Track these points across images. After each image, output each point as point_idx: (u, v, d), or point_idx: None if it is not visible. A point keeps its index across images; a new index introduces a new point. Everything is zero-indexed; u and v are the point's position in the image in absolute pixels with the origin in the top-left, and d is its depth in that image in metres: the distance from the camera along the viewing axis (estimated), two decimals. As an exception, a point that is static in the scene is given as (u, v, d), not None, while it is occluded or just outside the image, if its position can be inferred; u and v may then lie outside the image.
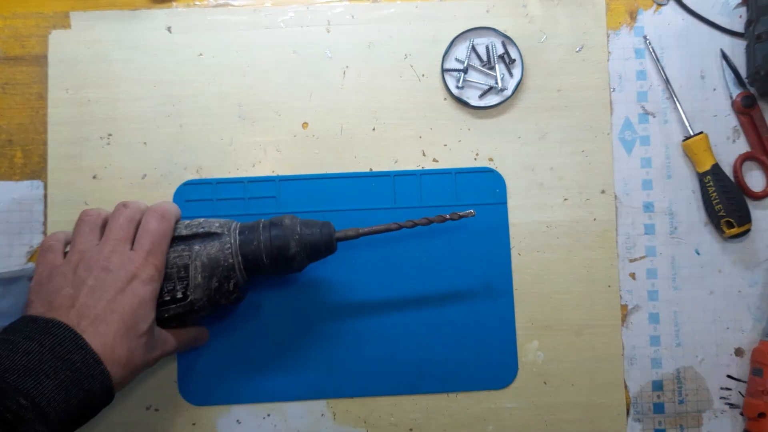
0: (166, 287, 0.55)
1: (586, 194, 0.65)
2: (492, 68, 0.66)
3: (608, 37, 0.67)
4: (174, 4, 0.67)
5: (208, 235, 0.56)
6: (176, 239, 0.56)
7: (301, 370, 0.63)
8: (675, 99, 0.66)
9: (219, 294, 0.56)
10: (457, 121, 0.66)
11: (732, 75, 0.66)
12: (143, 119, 0.65)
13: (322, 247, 0.57)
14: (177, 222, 0.56)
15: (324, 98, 0.66)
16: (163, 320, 0.55)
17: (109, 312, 0.46)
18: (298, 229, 0.57)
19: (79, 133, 0.65)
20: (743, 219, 0.63)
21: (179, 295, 0.55)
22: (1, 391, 0.39)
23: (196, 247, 0.56)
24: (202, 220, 0.58)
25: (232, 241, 0.56)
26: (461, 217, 0.59)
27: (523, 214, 0.65)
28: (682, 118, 0.65)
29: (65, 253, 0.52)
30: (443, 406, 0.63)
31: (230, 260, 0.56)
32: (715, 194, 0.63)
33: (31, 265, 0.63)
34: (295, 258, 0.56)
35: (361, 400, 0.63)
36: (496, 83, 0.65)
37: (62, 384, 0.41)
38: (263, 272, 0.57)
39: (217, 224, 0.57)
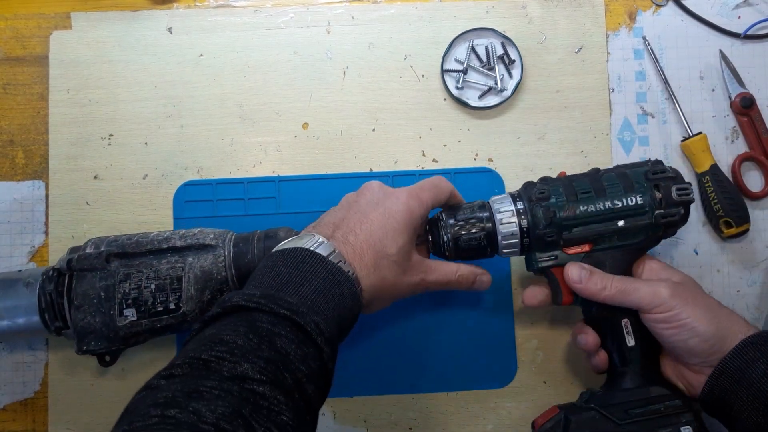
0: (159, 297, 0.55)
1: (586, 194, 0.66)
2: (491, 69, 0.66)
3: (607, 38, 0.67)
4: (175, 5, 0.67)
5: (203, 247, 0.57)
6: (170, 250, 0.57)
7: (302, 369, 0.63)
8: (674, 99, 0.66)
9: (211, 307, 0.56)
10: (457, 122, 0.66)
11: (731, 75, 0.66)
12: (144, 120, 0.65)
13: None
14: (449, 196, 0.56)
15: (324, 99, 0.66)
16: (155, 330, 0.56)
17: (358, 224, 0.51)
18: None
19: (81, 133, 0.65)
20: (742, 219, 0.63)
21: (172, 306, 0.55)
22: (270, 298, 0.43)
23: (190, 260, 0.56)
24: (197, 230, 0.58)
25: (226, 253, 0.56)
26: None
27: (522, 214, 0.65)
28: (680, 118, 0.66)
29: None
30: (443, 405, 0.63)
31: (223, 273, 0.56)
32: (713, 194, 0.64)
33: (32, 265, 0.63)
34: None
35: (361, 399, 0.63)
36: (496, 84, 0.65)
37: (316, 289, 0.45)
38: None
39: (212, 235, 0.57)
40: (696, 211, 0.66)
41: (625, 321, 0.55)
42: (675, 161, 0.66)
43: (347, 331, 0.48)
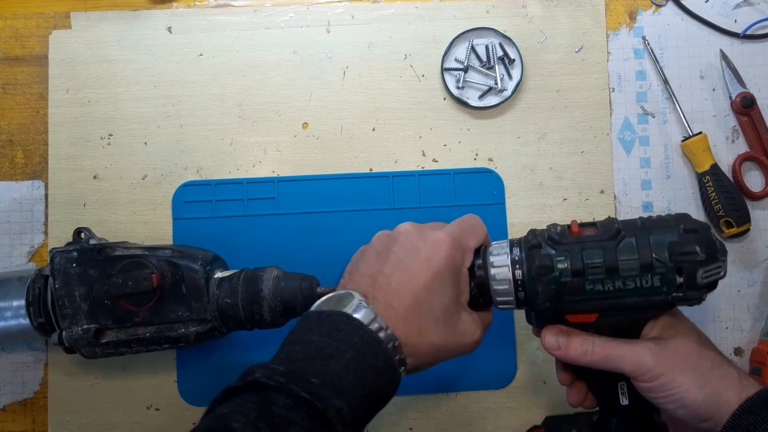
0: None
1: (586, 194, 0.66)
2: (491, 68, 0.66)
3: (607, 37, 0.67)
4: (174, 4, 0.67)
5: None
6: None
7: (301, 369, 0.63)
8: (674, 99, 0.66)
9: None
10: (457, 122, 0.66)
11: (731, 75, 0.66)
12: (144, 119, 0.65)
13: (299, 307, 0.55)
14: (484, 239, 0.51)
15: (324, 98, 0.66)
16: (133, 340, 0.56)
17: (402, 284, 0.46)
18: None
19: (80, 133, 0.65)
20: (742, 219, 0.63)
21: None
22: (292, 376, 0.40)
23: None
24: None
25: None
26: None
27: (522, 214, 0.65)
28: (681, 118, 0.65)
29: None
30: (443, 406, 0.63)
31: None
32: (714, 194, 0.64)
33: (32, 265, 0.63)
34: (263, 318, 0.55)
35: (361, 399, 0.63)
36: (496, 84, 0.65)
37: (348, 364, 0.42)
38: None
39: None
40: (696, 211, 0.66)
41: (621, 384, 0.51)
42: (675, 161, 0.66)
43: (381, 406, 0.45)
